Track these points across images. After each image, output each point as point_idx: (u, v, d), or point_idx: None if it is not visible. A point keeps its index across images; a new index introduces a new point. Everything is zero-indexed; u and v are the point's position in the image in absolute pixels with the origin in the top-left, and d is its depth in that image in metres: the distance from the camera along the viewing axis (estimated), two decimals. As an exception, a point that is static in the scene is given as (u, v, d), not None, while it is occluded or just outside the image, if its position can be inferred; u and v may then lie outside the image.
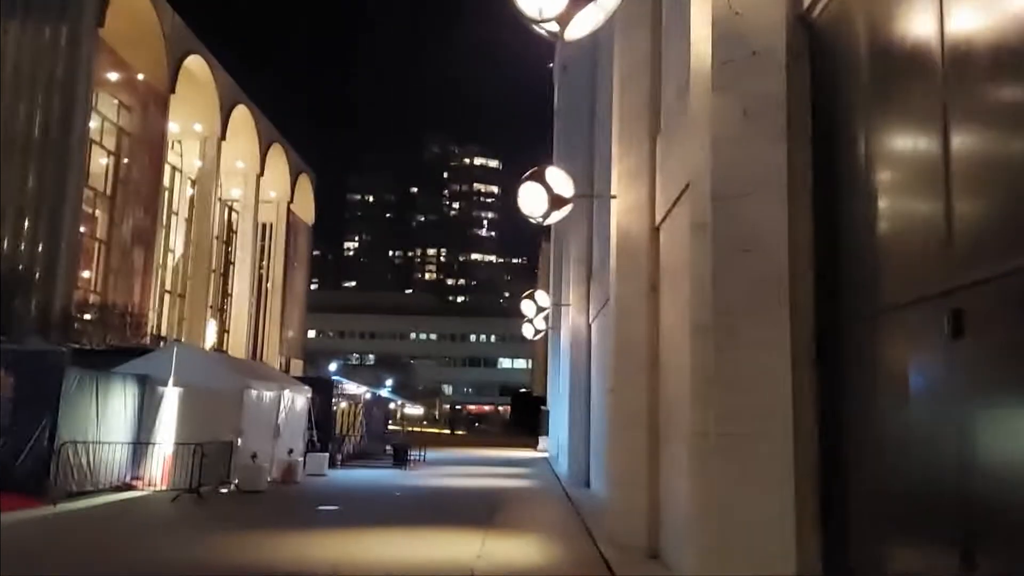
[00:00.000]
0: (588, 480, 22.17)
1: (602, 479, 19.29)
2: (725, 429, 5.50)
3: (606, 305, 18.55)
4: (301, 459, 22.35)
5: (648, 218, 11.55)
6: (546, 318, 26.93)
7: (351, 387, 32.00)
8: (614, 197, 12.28)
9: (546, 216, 12.12)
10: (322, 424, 26.59)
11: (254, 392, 19.87)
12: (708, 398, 5.81)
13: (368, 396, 33.81)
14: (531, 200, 12.01)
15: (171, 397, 18.95)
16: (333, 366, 43.08)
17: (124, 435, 18.24)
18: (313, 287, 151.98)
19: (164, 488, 17.96)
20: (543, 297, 24.27)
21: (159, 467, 18.61)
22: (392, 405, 42.16)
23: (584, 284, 23.72)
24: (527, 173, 12.07)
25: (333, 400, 28.12)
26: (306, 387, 24.87)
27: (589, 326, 23.14)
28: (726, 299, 5.58)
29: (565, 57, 37.16)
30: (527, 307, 23.79)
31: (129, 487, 18.07)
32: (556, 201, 11.95)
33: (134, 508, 15.73)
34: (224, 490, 18.47)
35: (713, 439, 5.60)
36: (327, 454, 24.92)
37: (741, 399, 5.44)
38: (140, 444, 18.66)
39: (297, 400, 23.48)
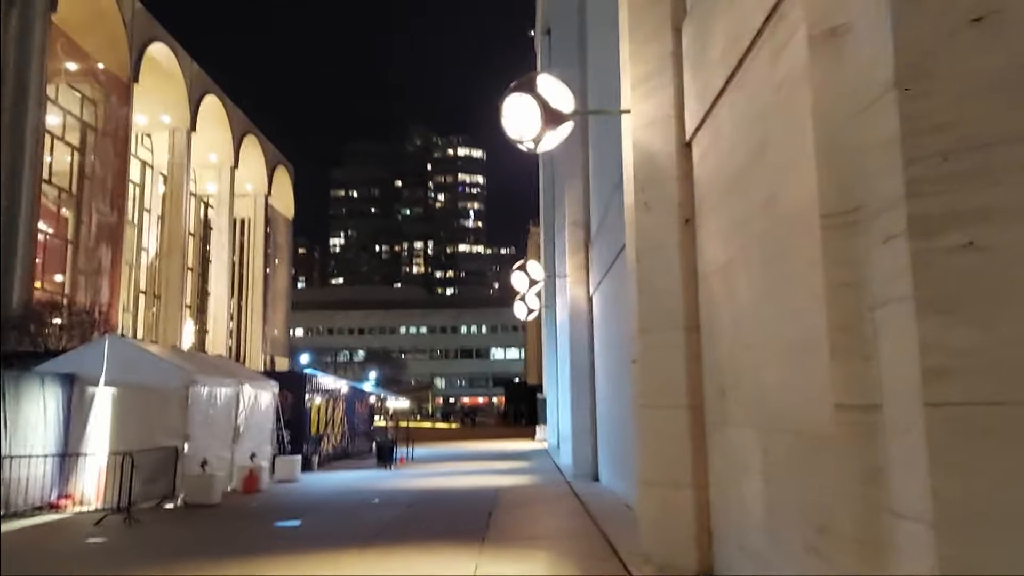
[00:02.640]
0: (596, 473, 19.47)
1: (614, 472, 16.51)
2: (955, 395, 2.65)
3: (612, 268, 15.73)
4: (266, 464, 19.47)
5: (676, 131, 8.67)
6: (538, 294, 24.06)
7: (328, 381, 29.05)
8: (626, 112, 9.40)
9: (539, 140, 9.20)
10: (294, 423, 23.72)
11: (204, 389, 16.93)
12: (888, 339, 2.98)
13: (348, 391, 30.88)
14: (519, 118, 9.11)
15: (103, 398, 16.05)
16: (305, 358, 39.96)
17: (46, 446, 15.30)
18: (301, 285, 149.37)
19: (97, 507, 15.09)
20: (536, 268, 21.31)
21: (91, 482, 15.74)
22: (379, 400, 39.24)
23: (582, 251, 20.86)
24: (513, 83, 9.17)
25: (307, 396, 25.17)
26: (272, 382, 21.93)
27: (590, 298, 20.34)
28: (934, 132, 2.72)
29: (548, 16, 34.27)
30: (518, 280, 20.82)
31: (54, 507, 15.18)
32: (552, 118, 9.06)
33: (44, 536, 12.76)
34: (170, 505, 15.60)
35: (916, 416, 2.76)
36: (299, 457, 22.03)
37: (983, 336, 2.59)
38: (67, 456, 15.78)
39: (261, 397, 20.56)
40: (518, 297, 24.08)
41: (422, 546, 11.05)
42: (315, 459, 24.88)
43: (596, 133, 18.77)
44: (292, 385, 24.38)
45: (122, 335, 26.29)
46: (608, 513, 12.97)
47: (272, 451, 21.00)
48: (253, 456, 18.74)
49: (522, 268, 21.00)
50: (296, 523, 13.53)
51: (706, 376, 8.10)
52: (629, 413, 13.98)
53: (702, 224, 8.24)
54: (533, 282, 20.87)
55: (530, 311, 23.75)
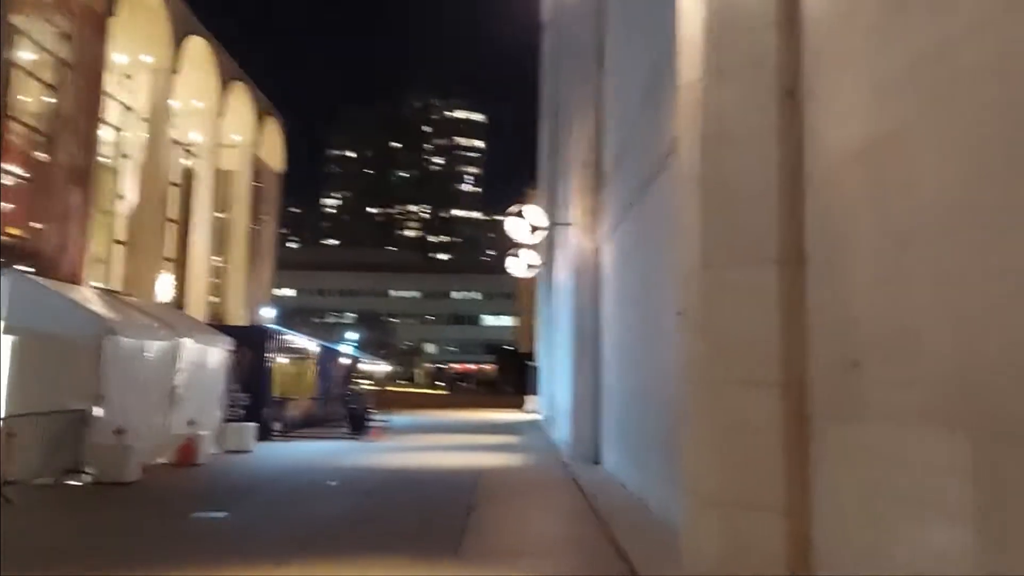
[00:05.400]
0: (598, 454, 16.57)
1: (625, 457, 13.50)
2: None
3: (635, 206, 12.64)
4: (209, 432, 16.42)
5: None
6: (536, 246, 20.95)
7: (296, 339, 26.02)
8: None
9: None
10: (253, 385, 20.68)
11: (124, 340, 13.83)
12: None
13: (321, 351, 27.87)
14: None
15: (-1, 348, 12.97)
16: (268, 311, 36.90)
17: (-78, 404, 12.28)
18: (292, 245, 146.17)
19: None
20: (537, 213, 18.08)
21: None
22: (358, 362, 36.27)
23: (592, 195, 17.75)
24: None
25: (268, 355, 22.11)
26: (225, 337, 18.88)
27: (597, 250, 17.29)
28: None
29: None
30: (513, 227, 17.61)
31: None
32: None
33: None
34: (75, 482, 12.59)
35: None
36: (255, 424, 19.01)
37: None
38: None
39: (209, 354, 17.52)
40: (511, 251, 20.97)
41: (371, 559, 8.06)
42: (277, 426, 21.88)
43: (616, 36, 15.49)
44: (251, 341, 21.31)
45: (111, 292, 23.12)
46: (622, 516, 10.01)
47: (221, 417, 18.00)
48: (191, 423, 15.68)
49: (518, 214, 17.82)
50: (220, 515, 10.52)
51: (817, 337, 5.05)
52: (647, 387, 10.98)
53: (818, 92, 5.14)
54: (535, 229, 17.66)
55: (530, 267, 20.66)
